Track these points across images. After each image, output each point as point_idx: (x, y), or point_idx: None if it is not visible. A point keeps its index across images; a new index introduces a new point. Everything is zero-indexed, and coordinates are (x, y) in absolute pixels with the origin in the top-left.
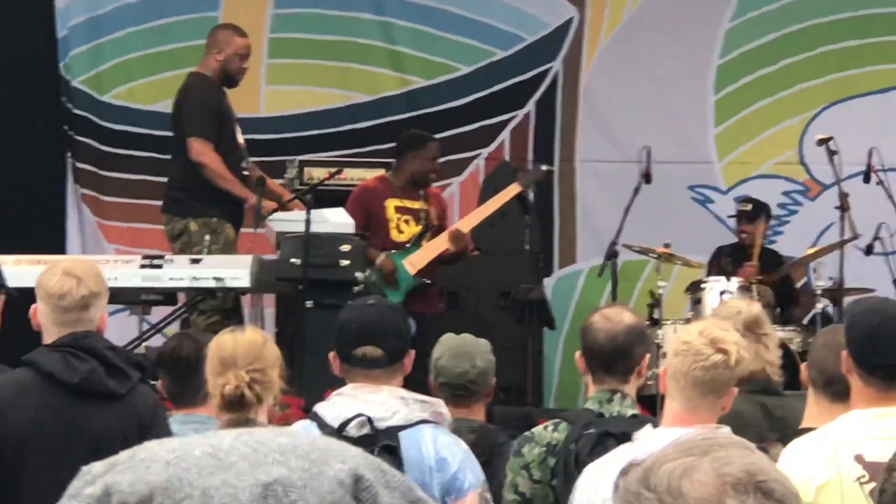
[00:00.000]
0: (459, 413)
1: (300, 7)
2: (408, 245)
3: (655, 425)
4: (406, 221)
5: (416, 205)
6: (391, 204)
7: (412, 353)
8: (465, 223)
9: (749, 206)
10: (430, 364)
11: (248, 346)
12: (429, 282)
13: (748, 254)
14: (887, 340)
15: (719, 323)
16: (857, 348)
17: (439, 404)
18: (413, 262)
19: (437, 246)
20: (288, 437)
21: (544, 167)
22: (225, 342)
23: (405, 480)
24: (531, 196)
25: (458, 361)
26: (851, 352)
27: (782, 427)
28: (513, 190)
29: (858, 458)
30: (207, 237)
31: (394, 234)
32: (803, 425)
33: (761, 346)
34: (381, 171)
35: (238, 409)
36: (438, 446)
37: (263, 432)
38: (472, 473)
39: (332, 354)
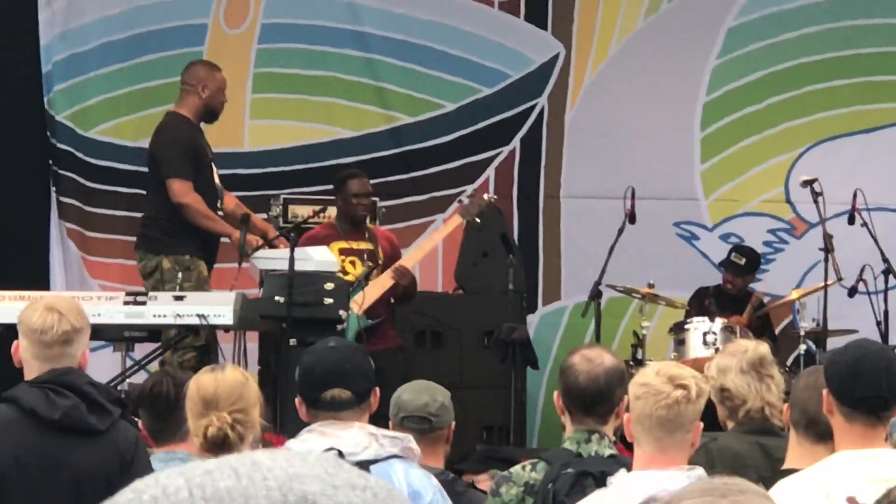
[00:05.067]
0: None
1: (285, 42)
2: (352, 287)
3: (629, 469)
4: (352, 262)
5: (361, 245)
6: (335, 247)
7: (377, 390)
8: (408, 259)
9: (743, 261)
10: (391, 404)
11: (229, 386)
12: (376, 321)
13: (734, 299)
14: (869, 373)
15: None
16: (838, 383)
17: (409, 440)
18: (358, 302)
19: (382, 284)
20: (236, 478)
21: (486, 196)
22: (206, 383)
23: None
24: (477, 221)
25: (419, 395)
26: (832, 389)
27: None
28: (454, 222)
29: (851, 500)
30: (180, 274)
31: None
32: (785, 466)
33: (763, 386)
34: None
35: (221, 451)
36: (411, 480)
37: (223, 469)
38: None
39: (297, 400)
